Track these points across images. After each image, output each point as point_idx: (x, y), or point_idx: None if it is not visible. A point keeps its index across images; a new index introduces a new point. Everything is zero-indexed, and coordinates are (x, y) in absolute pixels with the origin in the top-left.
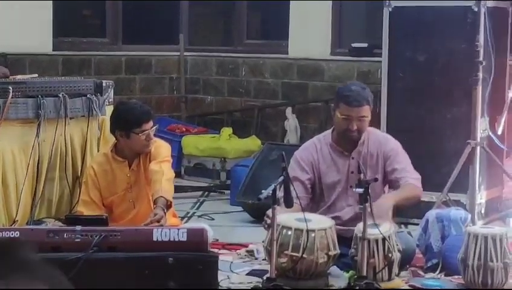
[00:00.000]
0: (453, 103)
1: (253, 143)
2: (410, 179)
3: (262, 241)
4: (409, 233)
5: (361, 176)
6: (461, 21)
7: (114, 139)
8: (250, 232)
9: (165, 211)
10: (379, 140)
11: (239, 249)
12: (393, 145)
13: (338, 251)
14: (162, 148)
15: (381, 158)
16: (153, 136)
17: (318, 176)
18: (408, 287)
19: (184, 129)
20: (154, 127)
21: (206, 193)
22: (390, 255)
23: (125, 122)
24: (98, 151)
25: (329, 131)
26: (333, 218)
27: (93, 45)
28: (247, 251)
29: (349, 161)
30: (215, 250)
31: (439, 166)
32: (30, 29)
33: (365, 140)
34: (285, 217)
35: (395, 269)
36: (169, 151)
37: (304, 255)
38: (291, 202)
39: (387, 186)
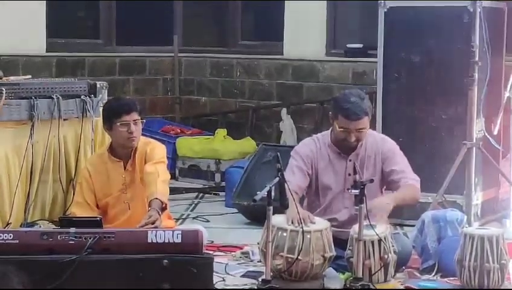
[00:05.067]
0: (449, 103)
1: (248, 144)
2: (410, 180)
3: (258, 243)
4: (405, 234)
5: (357, 177)
6: (457, 21)
7: (109, 140)
8: (245, 234)
9: (160, 213)
10: (376, 141)
11: (234, 251)
12: (391, 146)
13: (334, 253)
14: (157, 150)
15: (379, 159)
16: (134, 130)
17: (316, 173)
18: (404, 289)
19: (178, 130)
20: (138, 121)
21: (201, 194)
22: (386, 256)
23: (107, 114)
24: (91, 152)
25: (327, 132)
26: (330, 220)
27: (87, 46)
28: (242, 253)
29: (347, 163)
30: (210, 252)
31: (434, 167)
32: (23, 30)
33: (364, 143)
34: (281, 218)
35: (391, 271)
36: (165, 153)
37: (300, 257)
38: (287, 202)
39: (383, 188)
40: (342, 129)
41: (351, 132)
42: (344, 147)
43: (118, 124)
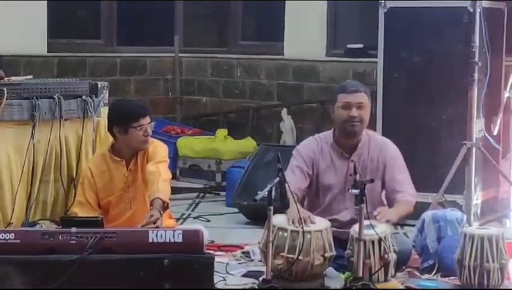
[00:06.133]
0: (449, 103)
1: (248, 144)
2: (407, 195)
3: (258, 243)
4: (405, 234)
5: (357, 176)
6: (457, 22)
7: (110, 140)
8: (246, 234)
9: (162, 212)
10: (379, 145)
11: (235, 251)
12: (393, 152)
13: (334, 253)
14: (159, 149)
15: (381, 163)
16: (150, 132)
17: (316, 173)
18: (404, 288)
19: (179, 130)
20: (152, 123)
21: (202, 194)
22: (386, 256)
23: (123, 117)
24: (93, 153)
25: (330, 132)
26: (331, 220)
27: (88, 47)
28: (242, 253)
29: (348, 164)
30: (211, 251)
31: (434, 167)
32: (25, 30)
33: (366, 144)
34: (281, 218)
35: (391, 270)
36: (167, 152)
37: (300, 257)
38: (288, 202)
39: (384, 191)
40: (343, 104)
41: (352, 106)
42: (348, 134)
43: (137, 127)
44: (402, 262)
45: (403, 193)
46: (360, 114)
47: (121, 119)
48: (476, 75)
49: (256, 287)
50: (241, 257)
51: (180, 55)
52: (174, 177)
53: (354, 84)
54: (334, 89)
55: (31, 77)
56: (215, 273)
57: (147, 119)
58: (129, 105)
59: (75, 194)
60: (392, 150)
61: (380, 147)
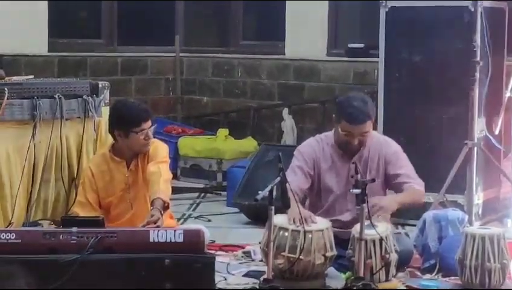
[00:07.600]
0: (450, 103)
1: (249, 144)
2: (415, 184)
3: (259, 243)
4: (406, 234)
5: (358, 176)
6: (458, 21)
7: (111, 140)
8: (247, 234)
9: (162, 212)
10: (380, 144)
11: (236, 251)
12: (395, 149)
13: (335, 252)
14: (160, 149)
15: (382, 162)
16: (151, 136)
17: (318, 173)
18: (405, 288)
19: (180, 130)
20: (153, 127)
21: (203, 194)
22: (387, 255)
23: (123, 121)
24: (94, 152)
25: (331, 132)
26: (332, 221)
27: (89, 46)
28: (243, 252)
29: (349, 165)
30: (212, 251)
31: (436, 167)
32: (25, 30)
33: (367, 144)
34: (282, 218)
35: (392, 270)
36: (167, 152)
37: (301, 257)
38: (288, 202)
39: (386, 190)
40: (345, 133)
41: (354, 136)
42: (347, 150)
43: (138, 132)
44: (404, 262)
45: (410, 183)
46: (361, 140)
47: (122, 123)
48: (477, 75)
49: (257, 287)
50: (242, 256)
51: (181, 54)
52: (175, 177)
53: (360, 113)
54: (339, 101)
55: (32, 76)
56: (216, 273)
57: (148, 123)
58: (130, 109)
59: (75, 193)
60: (393, 147)
61: (380, 145)
